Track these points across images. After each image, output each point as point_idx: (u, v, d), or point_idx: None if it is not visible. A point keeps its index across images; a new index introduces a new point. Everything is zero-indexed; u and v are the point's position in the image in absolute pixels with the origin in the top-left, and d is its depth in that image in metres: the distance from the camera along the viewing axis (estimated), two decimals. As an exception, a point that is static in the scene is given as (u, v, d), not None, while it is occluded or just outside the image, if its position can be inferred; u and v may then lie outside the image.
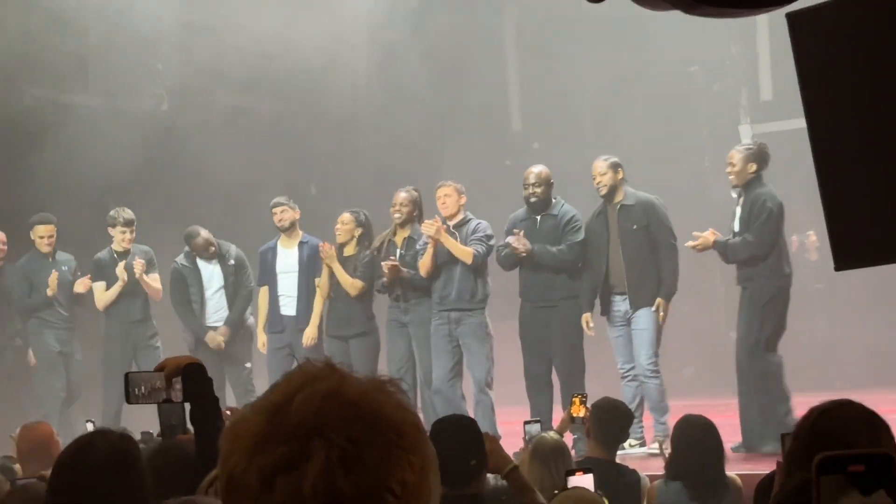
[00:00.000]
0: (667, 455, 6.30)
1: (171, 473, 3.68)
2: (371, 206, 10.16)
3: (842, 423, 2.63)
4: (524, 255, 9.03)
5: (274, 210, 10.12)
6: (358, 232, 9.75)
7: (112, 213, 10.29)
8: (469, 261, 9.05)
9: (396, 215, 9.52)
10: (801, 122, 10.43)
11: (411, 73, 12.63)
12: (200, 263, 10.31)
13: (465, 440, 4.50)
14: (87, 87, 11.59)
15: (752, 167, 8.68)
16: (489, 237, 9.18)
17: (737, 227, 8.71)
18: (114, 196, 10.69)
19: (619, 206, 9.02)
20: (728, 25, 12.04)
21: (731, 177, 8.78)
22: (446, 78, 13.32)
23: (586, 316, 9.10)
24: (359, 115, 12.54)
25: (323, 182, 13.11)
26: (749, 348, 8.57)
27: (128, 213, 10.27)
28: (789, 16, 3.87)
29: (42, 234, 10.40)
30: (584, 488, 4.24)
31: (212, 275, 10.33)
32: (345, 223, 9.80)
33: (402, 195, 9.55)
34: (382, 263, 9.34)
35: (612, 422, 6.51)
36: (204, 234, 10.28)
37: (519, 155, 12.74)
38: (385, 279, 9.39)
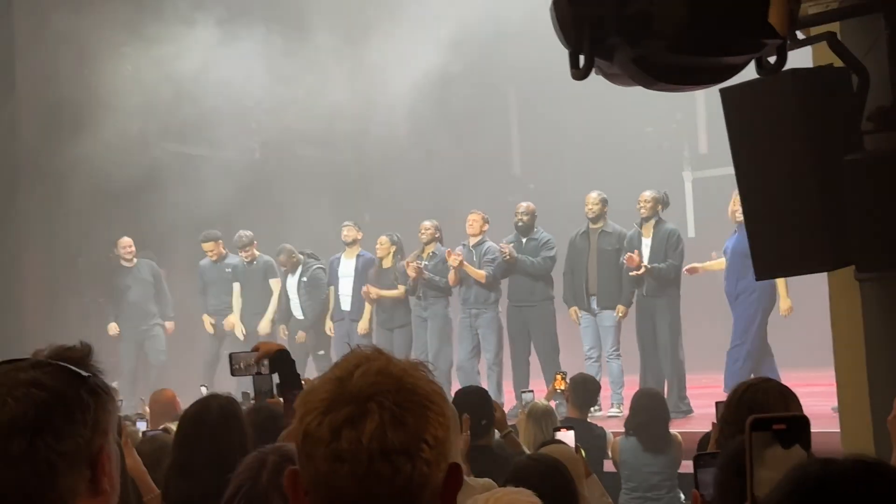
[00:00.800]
0: (625, 417, 6.31)
1: (262, 428, 3.69)
2: (406, 230, 10.19)
3: (762, 393, 2.62)
4: (511, 261, 9.08)
5: (343, 228, 10.20)
6: (392, 249, 9.87)
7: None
8: (483, 281, 9.23)
9: (423, 236, 9.65)
10: (730, 170, 10.43)
11: (438, 132, 12.67)
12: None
13: (480, 405, 4.53)
14: (199, 142, 11.62)
15: (660, 207, 8.72)
16: (495, 259, 9.26)
17: (647, 254, 8.66)
18: (218, 226, 10.65)
19: (599, 231, 9.02)
20: (674, 97, 11.99)
21: (642, 211, 8.74)
22: (463, 135, 13.35)
23: (573, 309, 9.14)
24: (400, 162, 12.56)
25: (374, 212, 13.15)
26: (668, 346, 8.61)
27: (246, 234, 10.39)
28: (722, 91, 3.89)
29: (209, 249, 10.46)
30: (565, 444, 4.24)
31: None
32: (382, 243, 9.95)
33: (427, 223, 9.78)
34: (407, 263, 9.44)
35: (586, 391, 6.56)
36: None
37: (518, 193, 12.74)
38: (410, 281, 9.51)
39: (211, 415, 3.18)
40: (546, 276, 9.20)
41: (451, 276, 9.32)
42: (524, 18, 8.43)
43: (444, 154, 13.14)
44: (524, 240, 9.30)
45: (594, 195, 9.09)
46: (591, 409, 7.15)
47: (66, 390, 1.46)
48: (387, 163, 12.61)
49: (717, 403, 3.39)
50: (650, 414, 5.96)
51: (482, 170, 13.66)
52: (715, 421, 3.22)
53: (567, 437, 4.41)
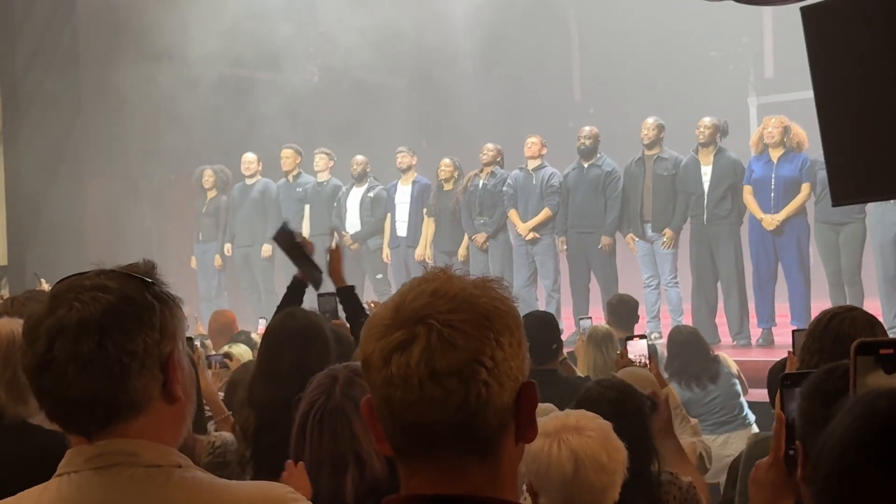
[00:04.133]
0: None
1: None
2: (464, 157, 10.13)
3: (849, 322, 2.54)
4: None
5: (397, 155, 10.13)
6: (455, 173, 9.78)
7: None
8: (551, 215, 9.21)
9: (484, 156, 9.61)
10: (797, 95, 10.18)
11: (497, 57, 12.52)
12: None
13: (548, 330, 4.53)
14: (258, 65, 11.58)
15: (719, 136, 8.55)
16: (558, 189, 9.17)
17: (706, 182, 8.53)
18: (275, 151, 10.58)
19: (655, 157, 8.90)
20: (740, 20, 11.72)
21: (700, 137, 8.58)
22: (523, 60, 13.18)
23: (629, 236, 9.09)
24: (460, 85, 12.43)
25: (432, 137, 13.08)
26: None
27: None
28: (803, 9, 3.75)
29: (287, 156, 10.31)
30: (635, 365, 4.19)
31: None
32: (446, 166, 9.85)
33: (489, 145, 9.68)
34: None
35: (624, 312, 6.64)
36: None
37: (578, 118, 12.58)
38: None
39: (297, 323, 3.24)
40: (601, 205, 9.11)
41: (521, 227, 9.30)
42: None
43: (504, 79, 12.99)
44: (586, 165, 9.19)
45: (650, 121, 8.94)
46: (643, 331, 7.14)
47: (132, 293, 1.47)
48: (445, 88, 12.51)
49: (794, 332, 3.33)
50: (683, 354, 5.94)
51: (542, 95, 13.51)
52: (791, 350, 3.16)
53: (639, 346, 4.28)
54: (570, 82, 14.55)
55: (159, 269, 1.55)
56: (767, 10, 12.24)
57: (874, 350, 1.43)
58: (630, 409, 2.80)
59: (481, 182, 9.53)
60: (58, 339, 1.42)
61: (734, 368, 6.01)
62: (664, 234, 8.83)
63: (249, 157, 10.48)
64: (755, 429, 5.68)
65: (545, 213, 9.26)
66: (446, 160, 9.89)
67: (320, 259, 4.40)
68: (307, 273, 4.29)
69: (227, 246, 10.61)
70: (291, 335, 3.18)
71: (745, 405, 5.92)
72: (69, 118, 10.58)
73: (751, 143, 8.59)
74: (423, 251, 9.90)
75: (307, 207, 10.36)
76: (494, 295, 1.25)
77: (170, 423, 1.50)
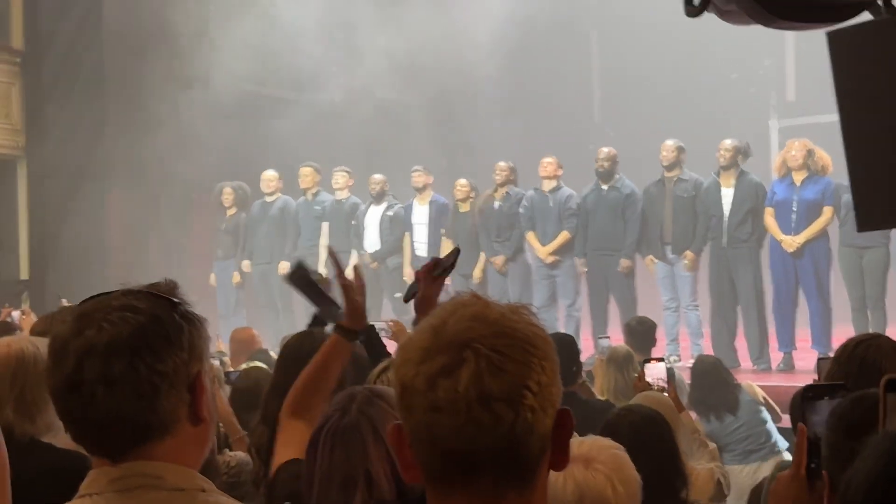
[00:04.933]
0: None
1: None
2: (483, 176, 10.10)
3: (875, 349, 2.49)
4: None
5: (412, 174, 10.11)
6: (472, 193, 9.77)
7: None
8: (570, 237, 9.19)
9: (497, 177, 9.59)
10: (818, 118, 10.12)
11: (518, 77, 12.52)
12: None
13: (568, 352, 4.49)
14: (282, 84, 11.62)
15: (740, 157, 8.51)
16: (576, 211, 9.16)
17: (727, 205, 8.47)
18: (296, 168, 10.57)
19: (675, 179, 8.86)
20: (762, 43, 11.70)
21: (721, 159, 8.53)
22: (544, 80, 13.19)
23: (649, 258, 9.04)
24: (481, 106, 12.45)
25: (452, 156, 13.08)
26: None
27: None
28: (829, 34, 3.72)
29: (306, 174, 10.30)
30: (655, 390, 4.14)
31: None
32: (462, 186, 9.83)
33: (502, 164, 9.66)
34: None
35: (642, 333, 6.58)
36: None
37: (598, 140, 12.56)
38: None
39: (313, 342, 3.21)
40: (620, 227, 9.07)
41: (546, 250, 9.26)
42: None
43: (524, 100, 13.00)
44: (605, 187, 9.16)
45: (670, 143, 8.91)
46: (661, 354, 7.09)
47: (161, 314, 1.46)
48: (466, 108, 12.53)
49: (819, 360, 3.29)
50: (703, 385, 5.88)
51: (561, 116, 13.50)
52: (816, 378, 3.12)
53: (657, 369, 4.24)
54: (591, 103, 14.57)
55: (181, 289, 1.53)
56: (790, 33, 12.21)
57: None
58: (656, 436, 2.74)
59: (496, 203, 9.50)
60: (87, 359, 1.41)
61: (760, 395, 5.93)
62: (685, 257, 8.79)
63: (270, 175, 10.50)
64: (787, 456, 5.59)
65: (564, 235, 9.22)
66: (462, 181, 9.86)
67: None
68: (326, 312, 4.09)
69: (246, 263, 10.61)
70: (308, 354, 3.16)
71: (775, 432, 5.84)
72: (92, 135, 10.63)
73: (774, 166, 8.55)
74: (442, 271, 9.83)
75: (325, 225, 10.36)
76: (530, 320, 1.25)
77: (194, 444, 1.49)
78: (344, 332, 2.71)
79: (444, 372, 1.19)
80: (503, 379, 1.19)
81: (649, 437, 2.66)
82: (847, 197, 7.13)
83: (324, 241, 10.27)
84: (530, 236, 9.41)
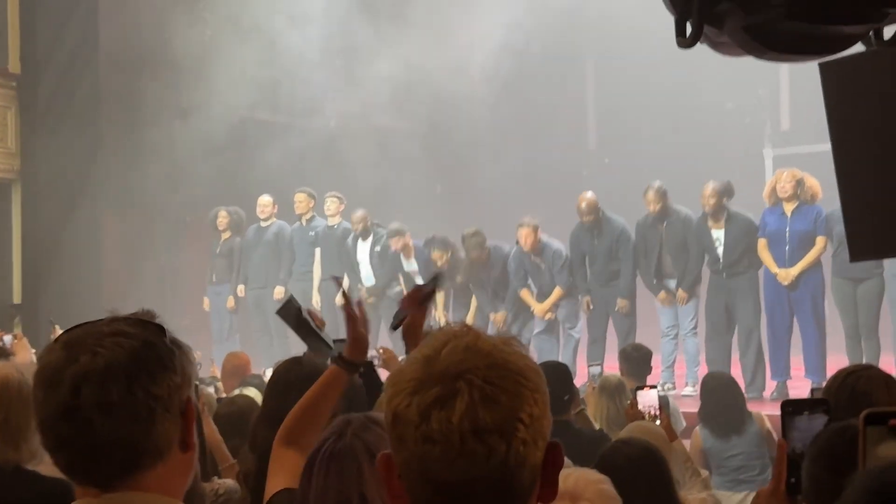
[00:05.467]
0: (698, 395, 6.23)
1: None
2: (478, 202, 10.08)
3: (866, 381, 2.50)
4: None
5: (391, 239, 9.82)
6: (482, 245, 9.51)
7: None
8: (563, 293, 9.12)
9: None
10: (813, 147, 10.14)
11: (514, 104, 12.55)
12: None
13: (560, 381, 4.48)
14: (276, 109, 11.65)
15: (724, 199, 8.48)
16: (565, 261, 9.10)
17: (720, 249, 8.48)
18: (289, 194, 10.59)
19: (665, 223, 8.84)
20: (757, 72, 11.76)
21: (706, 207, 8.49)
22: (539, 108, 13.23)
23: (662, 294, 8.94)
24: (476, 133, 12.45)
25: (446, 183, 13.10)
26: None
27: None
28: (821, 65, 3.73)
29: (300, 200, 10.30)
30: (647, 421, 4.11)
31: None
32: (440, 257, 9.51)
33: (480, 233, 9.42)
34: None
35: (638, 359, 6.58)
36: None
37: (593, 167, 12.63)
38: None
39: (303, 370, 3.21)
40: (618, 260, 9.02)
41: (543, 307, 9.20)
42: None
43: (519, 127, 13.02)
44: (595, 233, 9.02)
45: (651, 194, 8.74)
46: (656, 381, 7.08)
47: (153, 339, 1.46)
48: (461, 135, 12.55)
49: (812, 389, 3.29)
50: (719, 399, 5.87)
51: (557, 144, 13.54)
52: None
53: (649, 396, 4.18)
54: (586, 131, 14.62)
55: (159, 317, 1.54)
56: (784, 64, 12.29)
57: (884, 420, 1.39)
58: (652, 469, 2.72)
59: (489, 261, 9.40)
60: (84, 385, 1.40)
61: (765, 428, 5.89)
62: (678, 296, 8.80)
63: (265, 200, 10.50)
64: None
65: (557, 292, 9.17)
66: (437, 252, 9.55)
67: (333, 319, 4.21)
68: (317, 351, 3.97)
69: (241, 287, 10.59)
70: (297, 381, 3.15)
71: (769, 467, 5.82)
72: (87, 160, 10.63)
73: (764, 194, 8.56)
74: (440, 314, 9.78)
75: (318, 251, 10.35)
76: (521, 352, 1.25)
77: (181, 473, 1.48)
78: (345, 364, 2.65)
79: (438, 403, 1.19)
80: (496, 411, 1.19)
81: (646, 471, 2.64)
82: (840, 228, 7.14)
83: (317, 267, 10.26)
84: (524, 294, 9.34)
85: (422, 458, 1.20)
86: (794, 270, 8.17)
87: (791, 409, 1.79)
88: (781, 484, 1.72)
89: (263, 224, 10.54)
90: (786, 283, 8.20)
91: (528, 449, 1.20)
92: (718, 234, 8.55)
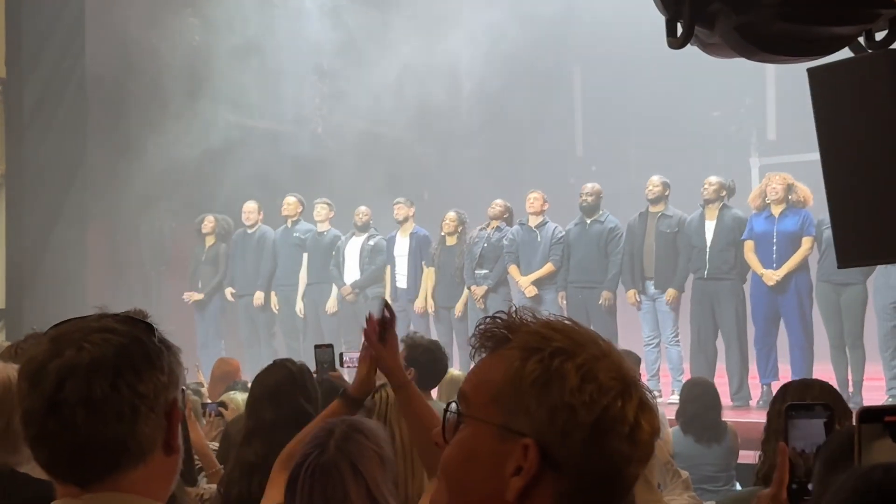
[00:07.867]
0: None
1: (325, 399, 3.68)
2: (465, 209, 10.09)
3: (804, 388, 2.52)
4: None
5: (393, 207, 10.10)
6: (460, 228, 9.72)
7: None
8: (554, 270, 9.17)
9: (492, 210, 9.61)
10: (799, 157, 10.14)
11: (501, 111, 12.57)
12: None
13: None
14: (262, 116, 11.63)
15: (724, 193, 8.55)
16: (561, 243, 9.16)
17: (709, 238, 8.51)
18: (277, 201, 10.56)
19: (659, 214, 8.88)
20: (743, 81, 11.80)
21: (705, 193, 8.61)
22: (526, 115, 13.25)
23: (631, 292, 9.02)
24: (463, 139, 12.47)
25: (433, 189, 13.09)
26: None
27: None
28: (809, 70, 3.73)
29: (289, 203, 10.31)
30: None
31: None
32: (451, 220, 9.80)
33: (498, 200, 9.69)
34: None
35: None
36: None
37: (580, 174, 12.59)
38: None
39: (279, 374, 3.18)
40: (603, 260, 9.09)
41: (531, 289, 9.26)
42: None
43: (506, 134, 13.04)
44: (588, 221, 9.17)
45: (656, 178, 8.98)
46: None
47: (141, 336, 1.44)
48: (448, 141, 12.55)
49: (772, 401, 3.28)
50: (700, 404, 5.85)
51: (544, 150, 13.55)
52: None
53: None
54: (573, 138, 14.63)
55: (151, 317, 1.52)
56: (770, 73, 12.32)
57: (879, 417, 1.38)
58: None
59: (487, 233, 9.49)
60: (68, 380, 1.37)
61: (736, 445, 5.90)
62: (667, 294, 8.79)
63: (250, 207, 10.48)
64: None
65: (548, 267, 9.21)
66: (451, 214, 9.81)
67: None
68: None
69: (228, 291, 10.55)
70: (277, 384, 3.14)
71: (735, 480, 5.83)
72: (73, 164, 10.59)
73: (749, 198, 8.57)
74: (423, 303, 9.83)
75: (305, 256, 10.33)
76: None
77: (163, 476, 1.45)
78: (349, 401, 2.68)
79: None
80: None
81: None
82: (828, 232, 7.17)
83: (303, 273, 10.25)
84: (512, 269, 9.39)
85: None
86: (780, 272, 8.18)
87: (793, 412, 1.77)
88: (783, 489, 1.69)
89: (249, 230, 10.52)
90: (771, 284, 8.21)
91: None
92: (710, 225, 8.56)
